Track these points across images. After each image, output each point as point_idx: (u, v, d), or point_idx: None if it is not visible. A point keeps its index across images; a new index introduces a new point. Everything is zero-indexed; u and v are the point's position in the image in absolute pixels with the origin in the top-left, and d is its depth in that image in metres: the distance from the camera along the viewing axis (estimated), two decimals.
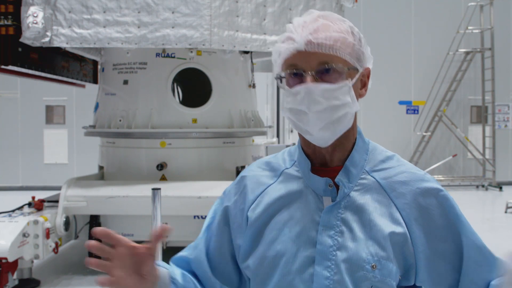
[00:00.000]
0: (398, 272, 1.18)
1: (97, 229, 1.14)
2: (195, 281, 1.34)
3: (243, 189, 1.34)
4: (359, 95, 1.24)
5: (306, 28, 1.16)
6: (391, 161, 1.28)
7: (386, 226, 1.18)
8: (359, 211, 1.20)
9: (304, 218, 1.22)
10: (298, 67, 1.17)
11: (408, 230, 1.19)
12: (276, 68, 1.23)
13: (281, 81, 1.21)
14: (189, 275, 1.33)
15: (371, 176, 1.25)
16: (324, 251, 1.18)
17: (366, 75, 1.26)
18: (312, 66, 1.15)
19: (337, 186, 1.22)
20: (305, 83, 1.15)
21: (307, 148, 1.28)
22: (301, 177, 1.28)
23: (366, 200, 1.21)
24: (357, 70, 1.20)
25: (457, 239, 1.22)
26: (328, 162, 1.25)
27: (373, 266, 1.15)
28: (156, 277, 1.20)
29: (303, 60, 1.16)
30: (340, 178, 1.22)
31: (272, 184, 1.30)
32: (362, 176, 1.24)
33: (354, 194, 1.22)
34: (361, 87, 1.25)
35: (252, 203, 1.30)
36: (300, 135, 1.26)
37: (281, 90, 1.23)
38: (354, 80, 1.19)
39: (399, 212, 1.20)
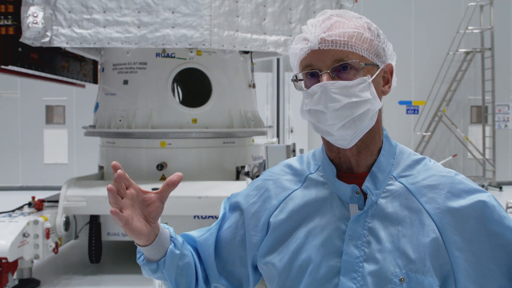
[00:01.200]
0: (436, 283, 1.12)
1: (116, 164, 1.15)
2: (196, 258, 1.32)
3: (264, 192, 1.30)
4: (381, 92, 1.20)
5: (319, 27, 1.14)
6: (419, 165, 1.23)
7: (416, 234, 1.13)
8: (387, 220, 1.15)
9: (329, 226, 1.19)
10: (314, 67, 1.14)
11: (441, 236, 1.13)
12: (294, 71, 1.21)
13: (296, 82, 1.19)
14: (191, 249, 1.33)
15: (399, 181, 1.19)
16: (350, 262, 1.14)
17: (389, 71, 1.23)
18: (328, 64, 1.13)
19: (364, 193, 1.18)
20: (321, 82, 1.12)
21: (330, 152, 1.23)
22: (325, 183, 1.23)
23: (394, 208, 1.16)
24: (377, 66, 1.17)
25: (503, 244, 1.14)
26: (354, 167, 1.21)
27: (401, 279, 1.11)
28: (157, 228, 1.23)
29: (318, 59, 1.13)
30: (367, 185, 1.17)
31: (297, 189, 1.27)
32: (390, 182, 1.19)
33: (381, 201, 1.17)
34: (384, 84, 1.22)
35: (276, 209, 1.26)
36: (323, 139, 1.22)
37: (299, 93, 1.21)
38: (374, 76, 1.15)
39: (431, 218, 1.14)
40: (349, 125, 1.13)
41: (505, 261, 1.15)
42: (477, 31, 11.89)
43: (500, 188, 11.43)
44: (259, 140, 7.14)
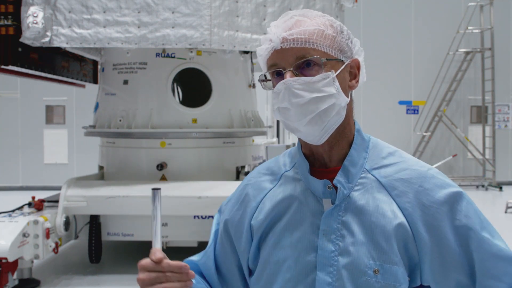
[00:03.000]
0: (406, 273, 1.14)
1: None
2: (206, 283, 1.36)
3: (244, 198, 1.33)
4: (348, 87, 1.21)
5: (280, 27, 1.17)
6: (392, 157, 1.24)
7: (388, 224, 1.14)
8: (360, 213, 1.17)
9: (304, 222, 1.20)
10: (278, 66, 1.17)
11: (411, 229, 1.14)
12: (263, 71, 1.24)
13: (264, 82, 1.22)
14: (198, 276, 1.36)
15: (372, 174, 1.21)
16: (325, 256, 1.16)
17: (356, 66, 1.23)
18: (290, 62, 1.15)
19: (336, 188, 1.19)
20: (284, 79, 1.14)
21: (305, 149, 1.26)
22: (301, 179, 1.25)
23: (366, 200, 1.17)
24: (342, 61, 1.19)
25: (471, 245, 1.15)
26: (327, 162, 1.23)
27: (375, 271, 1.12)
28: None
29: (281, 58, 1.16)
30: (338, 179, 1.19)
31: (273, 188, 1.29)
32: (362, 175, 1.20)
33: (354, 194, 1.19)
34: (351, 79, 1.22)
35: (255, 211, 1.28)
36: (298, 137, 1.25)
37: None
38: (338, 71, 1.16)
39: (401, 211, 1.16)
40: (316, 120, 1.14)
41: (469, 258, 1.16)
42: (477, 31, 11.90)
43: (500, 188, 11.43)
44: (259, 140, 7.14)
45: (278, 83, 1.16)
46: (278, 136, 11.24)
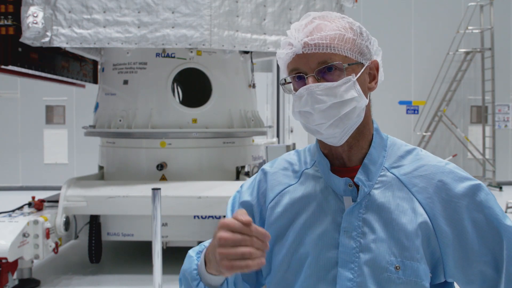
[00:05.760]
0: (428, 270, 1.16)
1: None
2: None
3: (263, 185, 1.35)
4: (368, 89, 1.23)
5: (302, 31, 1.18)
6: (410, 155, 1.26)
7: (409, 222, 1.16)
8: (381, 210, 1.19)
9: (325, 219, 1.23)
10: (300, 70, 1.18)
11: (432, 224, 1.16)
12: (283, 74, 1.25)
13: (285, 85, 1.23)
14: None
15: (391, 172, 1.23)
16: (346, 253, 1.18)
17: (375, 68, 1.26)
18: (312, 67, 1.17)
19: (357, 186, 1.22)
20: (306, 85, 1.16)
21: (324, 148, 1.28)
22: (321, 177, 1.28)
23: (387, 198, 1.20)
24: (361, 64, 1.20)
25: (494, 235, 1.16)
26: (346, 162, 1.25)
27: (396, 267, 1.15)
28: None
29: (303, 63, 1.18)
30: (359, 177, 1.21)
31: (293, 184, 1.31)
32: (382, 174, 1.23)
33: (374, 192, 1.21)
34: (371, 80, 1.25)
35: (271, 201, 1.30)
36: None
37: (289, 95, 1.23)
38: (358, 74, 1.18)
39: (423, 207, 1.18)
40: (337, 123, 1.17)
41: (493, 248, 1.16)
42: (477, 31, 11.89)
43: (500, 188, 11.43)
44: (259, 140, 7.14)
45: (299, 87, 1.18)
46: (278, 136, 11.24)
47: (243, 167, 5.98)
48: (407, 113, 12.54)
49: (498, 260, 1.16)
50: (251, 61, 6.22)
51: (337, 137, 1.19)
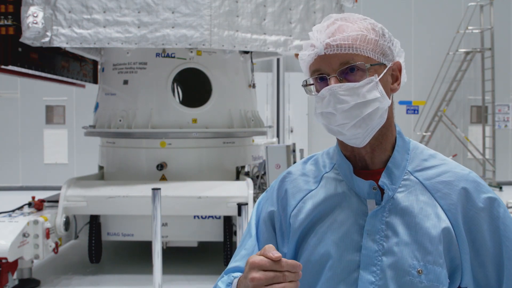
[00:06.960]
0: (447, 276, 1.16)
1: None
2: None
3: (284, 193, 1.33)
4: (390, 90, 1.23)
5: (324, 32, 1.18)
6: (434, 160, 1.26)
7: (433, 227, 1.16)
8: (404, 214, 1.19)
9: (347, 221, 1.22)
10: (322, 71, 1.18)
11: (454, 230, 1.17)
12: (305, 76, 1.25)
13: (306, 86, 1.22)
14: None
15: (414, 176, 1.23)
16: (369, 256, 1.18)
17: (397, 69, 1.25)
18: (335, 68, 1.16)
19: (380, 189, 1.21)
20: (329, 86, 1.16)
21: (345, 151, 1.27)
22: (342, 180, 1.27)
23: (410, 202, 1.20)
24: (384, 65, 1.20)
25: (498, 245, 1.19)
26: (369, 164, 1.24)
27: (419, 271, 1.14)
28: None
29: (325, 64, 1.17)
30: (383, 180, 1.21)
31: (314, 190, 1.30)
32: (405, 177, 1.23)
33: (398, 196, 1.20)
34: (393, 81, 1.25)
35: (294, 209, 1.29)
36: (337, 138, 1.26)
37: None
38: (381, 75, 1.18)
39: (445, 213, 1.18)
40: (360, 124, 1.16)
41: (499, 269, 1.19)
42: (477, 31, 11.89)
43: (500, 188, 11.42)
44: (259, 140, 7.14)
45: (322, 88, 1.17)
46: (278, 136, 11.24)
47: (243, 167, 5.97)
48: (407, 113, 12.54)
49: (501, 274, 1.19)
50: (251, 61, 6.22)
51: (360, 138, 1.18)
